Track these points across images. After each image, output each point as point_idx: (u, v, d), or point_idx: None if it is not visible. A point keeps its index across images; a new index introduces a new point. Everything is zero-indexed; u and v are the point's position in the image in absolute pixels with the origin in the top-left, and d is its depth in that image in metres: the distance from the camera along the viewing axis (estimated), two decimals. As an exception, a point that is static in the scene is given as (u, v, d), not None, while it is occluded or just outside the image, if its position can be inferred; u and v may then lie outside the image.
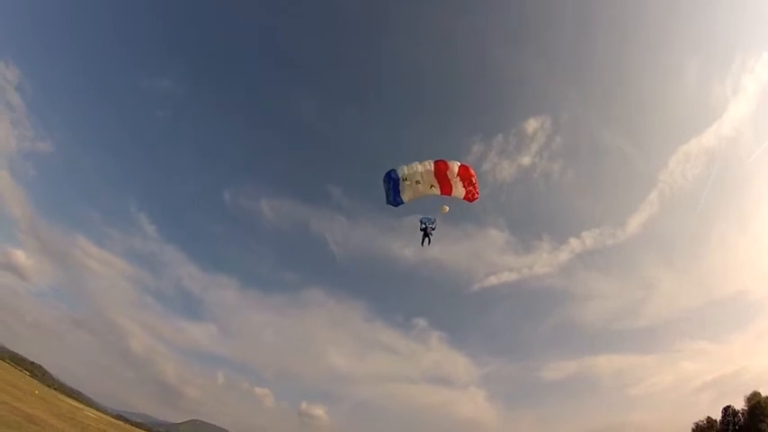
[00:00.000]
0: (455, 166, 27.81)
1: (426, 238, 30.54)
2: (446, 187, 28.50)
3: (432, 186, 28.18)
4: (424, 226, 30.37)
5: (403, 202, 28.66)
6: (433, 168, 27.59)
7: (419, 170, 27.63)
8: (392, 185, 28.22)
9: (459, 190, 28.47)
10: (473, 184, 28.49)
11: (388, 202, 28.89)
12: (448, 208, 29.19)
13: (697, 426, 76.75)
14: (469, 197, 28.95)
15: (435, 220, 30.18)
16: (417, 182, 27.66)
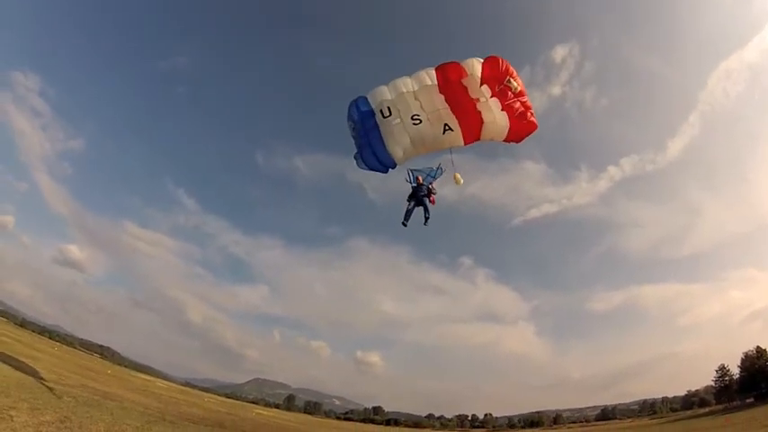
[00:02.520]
0: (477, 68, 12.62)
1: (421, 211, 14.86)
2: (470, 119, 13.07)
3: (444, 126, 13.06)
4: (415, 187, 14.85)
5: (393, 162, 13.49)
6: (437, 82, 12.74)
7: (410, 89, 12.79)
8: (362, 128, 13.16)
9: (497, 120, 13.01)
10: (523, 103, 13.18)
11: (362, 164, 13.80)
12: (461, 179, 14.22)
13: (746, 355, 72.25)
14: (521, 129, 13.55)
15: (439, 171, 14.79)
16: (415, 117, 12.87)
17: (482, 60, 12.83)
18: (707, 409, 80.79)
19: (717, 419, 42.39)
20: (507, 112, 13.09)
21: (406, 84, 12.78)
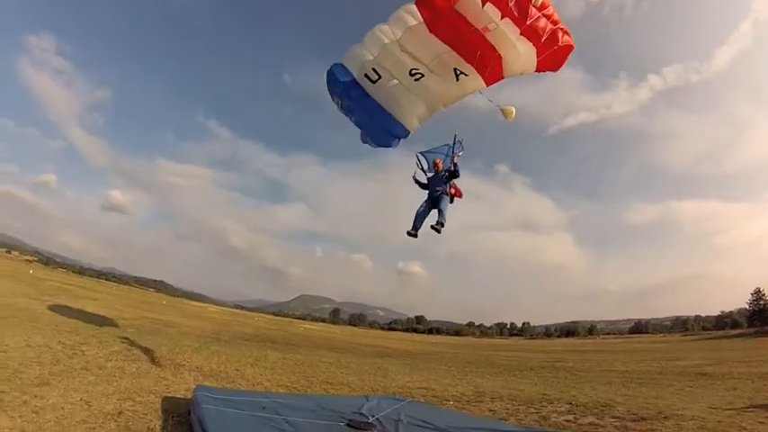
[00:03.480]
0: None
1: (441, 203, 10.06)
2: (484, 56, 9.22)
3: (455, 71, 9.32)
4: (432, 177, 10.61)
5: (406, 132, 10.10)
6: (423, 18, 8.92)
7: (392, 38, 9.14)
8: (352, 102, 9.81)
9: (519, 50, 9.31)
10: (549, 17, 9.13)
11: (371, 142, 10.59)
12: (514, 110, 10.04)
13: (783, 281, 72.47)
14: (555, 56, 9.70)
15: (458, 145, 10.45)
16: (414, 72, 9.31)
17: None
18: (738, 331, 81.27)
19: (748, 341, 43.00)
20: (530, 37, 9.23)
21: (385, 33, 9.14)
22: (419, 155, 10.97)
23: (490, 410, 9.34)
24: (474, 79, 9.62)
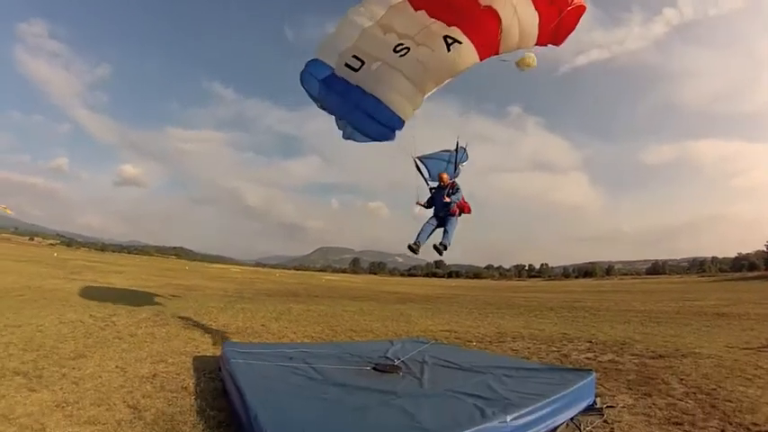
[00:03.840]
0: None
1: (448, 224, 8.72)
2: (478, 23, 7.42)
3: (446, 40, 7.48)
4: (436, 189, 8.97)
5: (401, 121, 8.41)
6: None
7: (371, 19, 7.57)
8: (337, 98, 8.44)
9: (519, 14, 7.29)
10: None
11: (362, 137, 8.98)
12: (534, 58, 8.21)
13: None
14: (564, 21, 7.62)
15: (462, 152, 9.18)
16: (399, 47, 7.59)
17: None
18: (756, 273, 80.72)
19: (765, 284, 42.35)
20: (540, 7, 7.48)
21: (362, 14, 7.81)
22: (419, 161, 9.09)
23: (512, 350, 9.57)
24: (468, 48, 7.90)
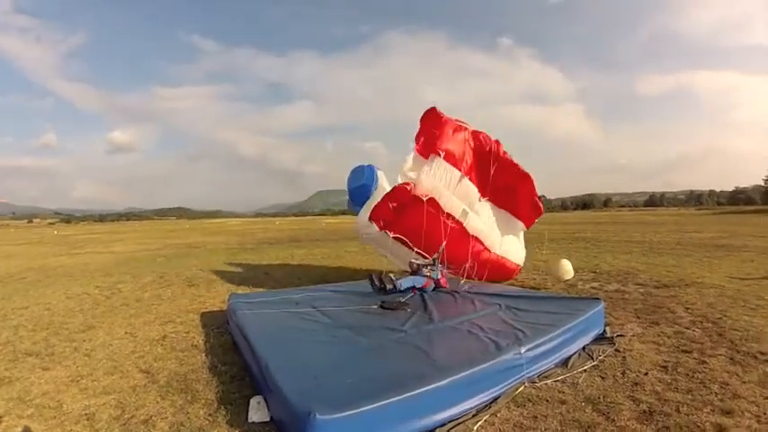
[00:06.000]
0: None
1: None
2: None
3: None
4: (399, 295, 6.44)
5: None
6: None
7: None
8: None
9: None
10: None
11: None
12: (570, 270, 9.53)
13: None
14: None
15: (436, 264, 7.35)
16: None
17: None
18: (753, 207, 79.45)
19: (762, 218, 41.28)
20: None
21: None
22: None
23: (517, 281, 9.62)
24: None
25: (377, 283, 6.45)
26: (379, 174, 9.10)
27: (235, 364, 4.80)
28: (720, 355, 4.78)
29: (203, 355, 5.24)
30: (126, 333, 6.42)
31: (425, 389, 3.13)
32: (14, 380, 4.79)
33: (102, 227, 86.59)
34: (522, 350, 4.01)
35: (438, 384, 3.21)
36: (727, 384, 4.01)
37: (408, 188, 7.39)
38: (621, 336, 5.43)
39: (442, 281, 7.25)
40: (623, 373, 4.30)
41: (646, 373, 4.28)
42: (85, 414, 3.83)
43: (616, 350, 4.95)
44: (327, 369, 3.57)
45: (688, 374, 4.26)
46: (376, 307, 5.99)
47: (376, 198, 8.16)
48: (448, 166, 7.77)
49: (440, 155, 7.67)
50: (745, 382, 4.05)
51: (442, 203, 7.61)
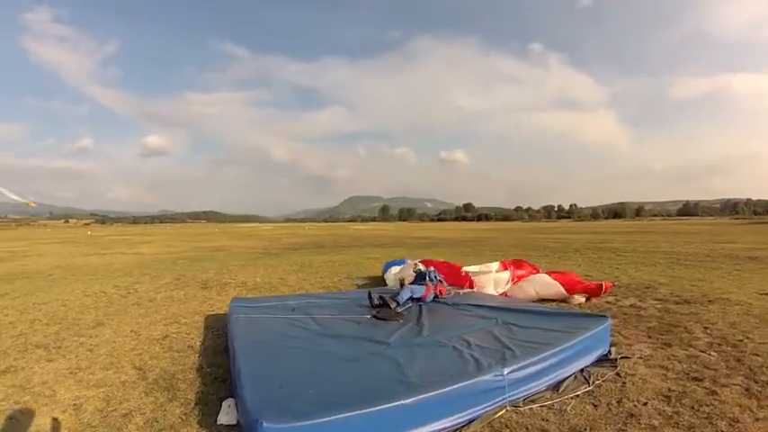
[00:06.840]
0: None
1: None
2: None
3: None
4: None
5: None
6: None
7: None
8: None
9: None
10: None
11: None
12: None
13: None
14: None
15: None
16: None
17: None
18: None
19: None
20: None
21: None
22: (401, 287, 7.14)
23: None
24: None
25: (377, 301, 6.39)
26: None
27: (222, 366, 4.87)
28: (735, 384, 4.13)
29: (196, 356, 5.35)
30: (131, 331, 6.64)
31: (388, 405, 2.99)
32: (20, 369, 5.04)
33: (134, 228, 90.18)
34: (506, 371, 3.71)
35: (403, 402, 3.05)
36: (737, 421, 3.43)
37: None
38: (626, 357, 4.87)
39: (441, 289, 7.19)
40: (619, 402, 3.80)
41: (645, 403, 3.76)
42: (74, 404, 4.00)
43: (617, 374, 4.40)
44: (295, 378, 3.54)
45: (693, 407, 3.69)
46: (369, 317, 5.96)
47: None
48: None
49: None
50: (758, 419, 3.46)
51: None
